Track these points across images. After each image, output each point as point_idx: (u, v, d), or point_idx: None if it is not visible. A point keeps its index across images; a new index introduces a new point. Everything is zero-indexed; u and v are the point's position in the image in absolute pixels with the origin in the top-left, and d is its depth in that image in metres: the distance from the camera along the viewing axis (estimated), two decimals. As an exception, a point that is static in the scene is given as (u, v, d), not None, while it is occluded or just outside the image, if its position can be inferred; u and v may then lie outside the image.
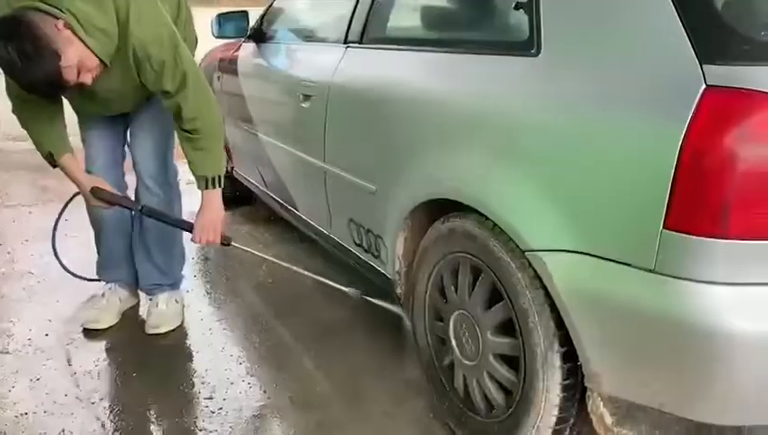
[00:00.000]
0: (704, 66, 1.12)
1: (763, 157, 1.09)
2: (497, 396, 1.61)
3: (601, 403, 1.33)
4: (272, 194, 2.96)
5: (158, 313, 2.42)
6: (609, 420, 1.33)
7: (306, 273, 2.33)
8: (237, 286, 2.78)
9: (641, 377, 1.26)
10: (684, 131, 1.11)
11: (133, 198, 2.35)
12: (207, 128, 2.07)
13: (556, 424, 1.46)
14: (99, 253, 2.49)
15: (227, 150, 3.43)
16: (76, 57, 1.79)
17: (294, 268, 2.35)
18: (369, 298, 2.15)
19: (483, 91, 1.57)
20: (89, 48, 1.82)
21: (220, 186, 2.15)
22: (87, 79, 1.87)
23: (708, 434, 1.22)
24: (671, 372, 1.21)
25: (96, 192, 2.17)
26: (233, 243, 2.26)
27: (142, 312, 2.52)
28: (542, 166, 1.39)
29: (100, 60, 1.87)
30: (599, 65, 1.32)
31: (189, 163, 2.14)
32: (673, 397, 1.22)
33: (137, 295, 2.57)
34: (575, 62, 1.37)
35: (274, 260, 2.42)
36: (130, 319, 2.48)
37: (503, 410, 1.59)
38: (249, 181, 3.26)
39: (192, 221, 2.21)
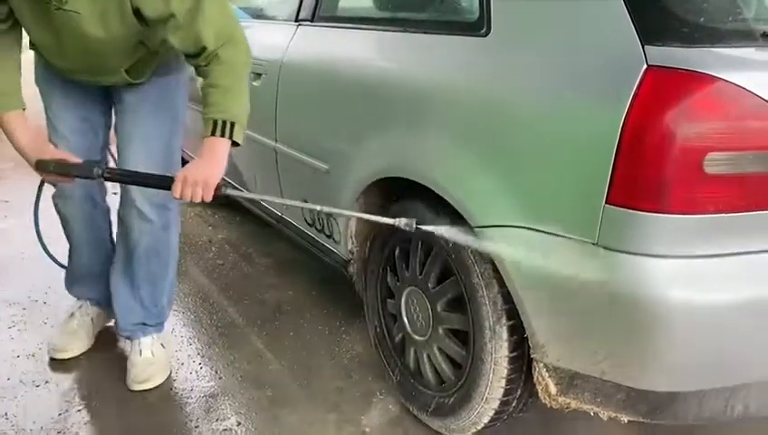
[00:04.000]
0: (645, 47, 1.17)
1: (700, 134, 1.14)
2: (447, 370, 1.65)
3: (546, 373, 1.38)
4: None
5: (143, 362, 1.95)
6: (553, 389, 1.38)
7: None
8: (187, 268, 2.74)
9: (584, 347, 1.31)
10: (626, 110, 1.16)
11: (115, 221, 1.95)
12: (231, 57, 1.59)
13: (504, 395, 1.50)
14: (70, 263, 2.09)
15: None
16: None
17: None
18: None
19: (433, 71, 1.59)
20: None
21: (231, 137, 1.61)
22: None
23: (646, 400, 1.28)
24: (612, 342, 1.27)
25: (43, 164, 1.65)
26: (228, 191, 1.65)
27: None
28: (491, 144, 1.42)
29: None
30: (545, 46, 1.35)
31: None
32: (614, 366, 1.28)
33: (109, 316, 2.14)
34: (523, 43, 1.40)
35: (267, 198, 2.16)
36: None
37: (453, 384, 1.63)
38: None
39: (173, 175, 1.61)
